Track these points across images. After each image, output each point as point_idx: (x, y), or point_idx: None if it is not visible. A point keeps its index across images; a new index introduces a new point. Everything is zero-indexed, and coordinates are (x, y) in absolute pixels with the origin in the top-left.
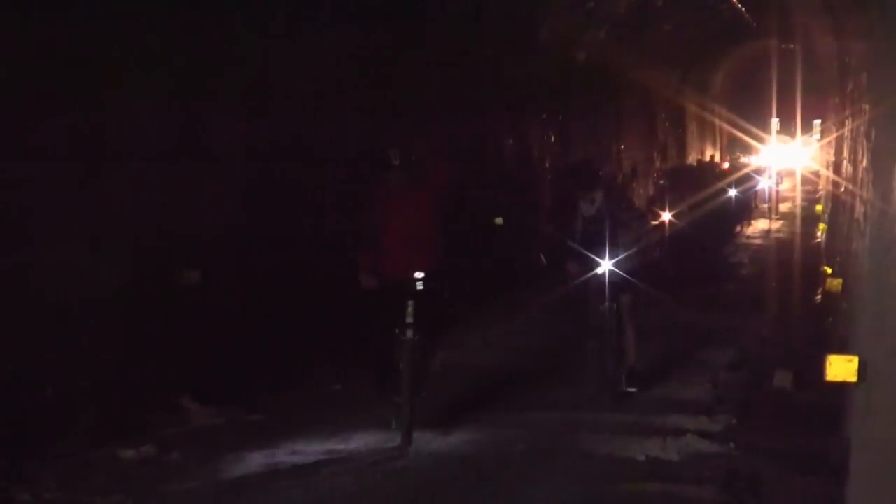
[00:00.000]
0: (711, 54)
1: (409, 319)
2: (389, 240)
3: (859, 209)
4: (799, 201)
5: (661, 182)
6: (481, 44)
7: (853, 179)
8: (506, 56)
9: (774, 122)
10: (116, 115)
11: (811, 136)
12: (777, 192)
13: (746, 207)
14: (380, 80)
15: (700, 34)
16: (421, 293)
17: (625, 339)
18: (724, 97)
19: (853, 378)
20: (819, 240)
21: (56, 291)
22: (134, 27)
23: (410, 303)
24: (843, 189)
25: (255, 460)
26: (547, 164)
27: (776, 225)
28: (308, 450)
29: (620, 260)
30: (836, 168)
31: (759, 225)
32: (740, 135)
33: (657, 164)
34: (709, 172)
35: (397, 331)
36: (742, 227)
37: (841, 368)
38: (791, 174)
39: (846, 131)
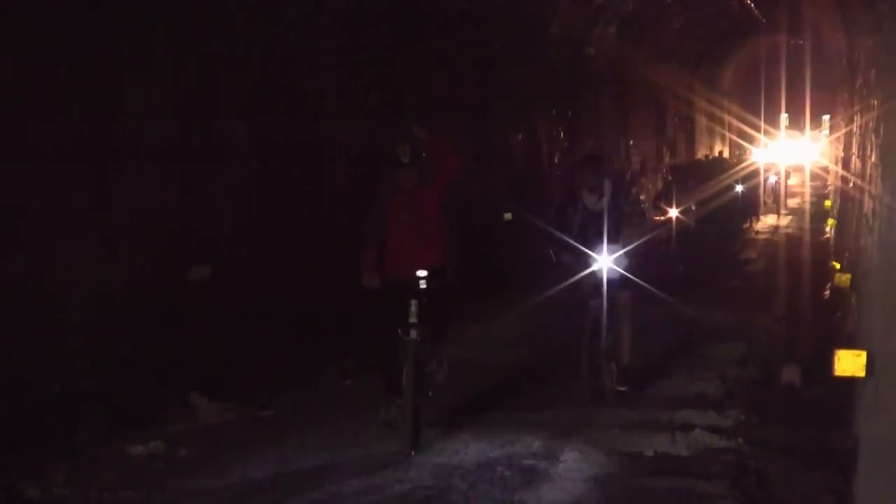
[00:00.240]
0: (720, 50)
1: (413, 319)
2: (395, 238)
3: (868, 205)
4: (808, 197)
5: (668, 178)
6: (491, 40)
7: (862, 175)
8: (515, 52)
9: (784, 117)
10: (125, 113)
11: (820, 131)
12: (785, 187)
13: (754, 203)
14: (388, 77)
15: (709, 30)
16: (424, 292)
17: (619, 337)
18: (733, 93)
19: (861, 373)
20: (828, 235)
21: (64, 288)
22: (142, 26)
23: (414, 302)
24: (851, 184)
25: (264, 458)
26: (556, 160)
27: (784, 221)
28: (315, 449)
29: (620, 256)
30: (845, 163)
31: (767, 220)
32: (749, 130)
33: (666, 159)
34: (717, 168)
35: (400, 331)
36: (750, 223)
37: (849, 363)
38: (800, 170)
39: (855, 127)
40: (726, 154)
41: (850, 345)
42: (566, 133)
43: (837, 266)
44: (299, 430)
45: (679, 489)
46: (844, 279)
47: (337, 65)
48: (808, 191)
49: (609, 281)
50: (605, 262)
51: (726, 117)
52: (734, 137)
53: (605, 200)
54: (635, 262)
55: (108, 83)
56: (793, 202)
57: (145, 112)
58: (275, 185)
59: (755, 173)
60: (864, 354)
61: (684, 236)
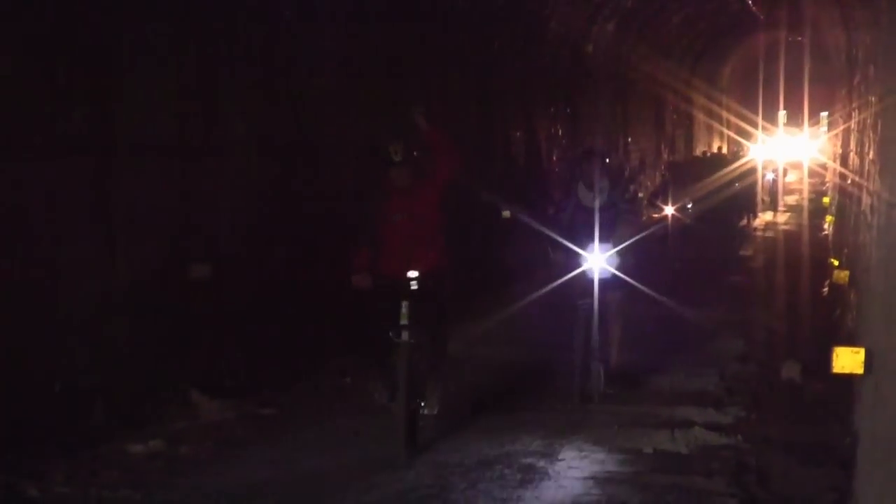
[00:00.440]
0: (719, 47)
1: (404, 321)
2: (389, 238)
3: (866, 201)
4: (806, 193)
5: (664, 175)
6: (490, 38)
7: (860, 171)
8: (514, 50)
9: (782, 114)
10: (125, 111)
11: (818, 127)
12: (783, 184)
13: (752, 200)
14: (389, 76)
15: (708, 27)
16: (417, 294)
17: (608, 338)
18: (731, 89)
19: (860, 370)
20: (826, 232)
21: (64, 286)
22: (143, 23)
23: (405, 304)
24: (850, 181)
25: (264, 456)
26: (555, 157)
27: (782, 217)
28: (315, 447)
29: (612, 255)
30: (843, 160)
31: (765, 217)
32: (748, 127)
33: (665, 156)
34: (714, 165)
35: (391, 333)
36: (748, 220)
37: (848, 360)
38: (798, 166)
39: (853, 123)
40: (725, 150)
41: (849, 341)
42: (565, 130)
43: (836, 263)
44: (299, 429)
45: (679, 486)
46: (843, 276)
47: (338, 64)
48: (806, 187)
49: (600, 281)
50: (597, 260)
51: (725, 114)
52: (732, 134)
53: (601, 197)
54: (629, 261)
55: (109, 81)
56: (791, 199)
57: (146, 110)
58: (276, 183)
59: (753, 170)
60: (862, 351)
61: (681, 234)
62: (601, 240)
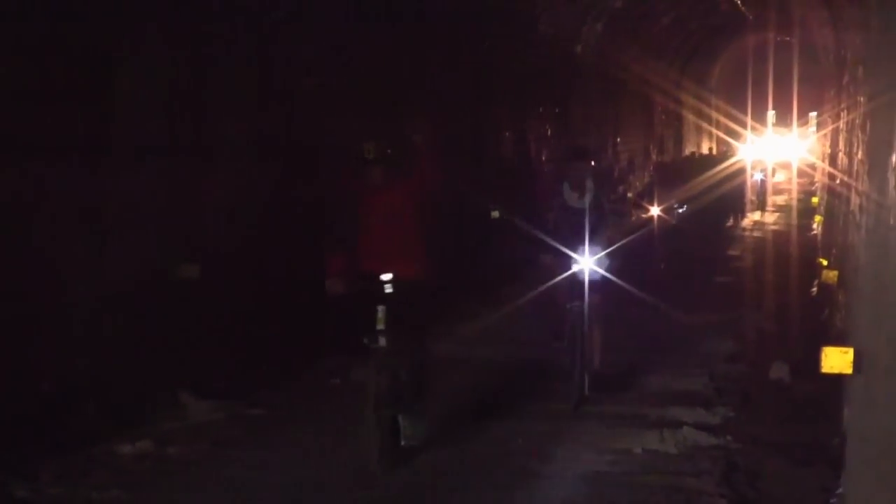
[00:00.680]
0: (709, 47)
1: (380, 326)
2: (365, 240)
3: (855, 201)
4: (795, 193)
5: (651, 176)
6: (480, 39)
7: (849, 171)
8: (504, 49)
9: (771, 114)
10: (117, 111)
11: (807, 127)
12: (771, 184)
13: (740, 201)
14: (381, 77)
15: (698, 27)
16: (392, 298)
17: (591, 342)
18: (721, 90)
19: (848, 370)
20: (815, 232)
21: (55, 285)
22: (135, 22)
23: (381, 308)
24: (838, 181)
25: (252, 457)
26: (544, 157)
27: (771, 217)
28: (304, 447)
29: (601, 257)
30: (832, 160)
31: (753, 217)
32: (737, 127)
33: (654, 156)
34: (702, 166)
35: (366, 339)
36: (736, 220)
37: (836, 360)
38: (787, 166)
39: (842, 123)
40: (714, 151)
41: (838, 341)
42: (555, 131)
43: (825, 263)
44: (288, 429)
45: (668, 486)
46: (832, 276)
47: (331, 64)
48: (795, 187)
49: (583, 283)
50: (586, 263)
51: (714, 114)
52: (721, 134)
53: (587, 198)
54: (615, 262)
55: (101, 81)
56: (780, 199)
57: (139, 110)
58: (269, 183)
59: (741, 171)
60: (851, 351)
61: (668, 235)
62: (584, 242)
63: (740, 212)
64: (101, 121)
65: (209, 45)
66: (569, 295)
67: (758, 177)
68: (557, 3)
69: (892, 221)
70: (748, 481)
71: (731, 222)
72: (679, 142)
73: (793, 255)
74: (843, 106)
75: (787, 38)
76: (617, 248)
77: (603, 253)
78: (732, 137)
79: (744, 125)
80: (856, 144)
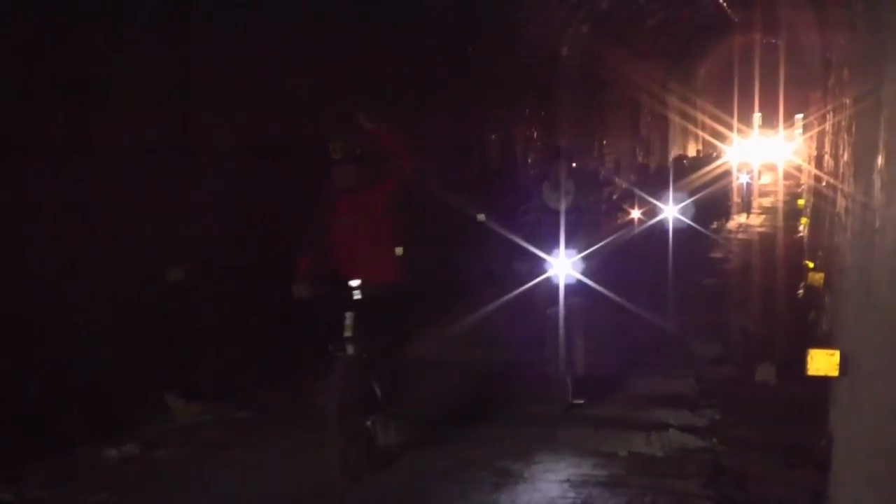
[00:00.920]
0: (695, 49)
1: (347, 334)
2: (335, 244)
3: (841, 203)
4: (781, 195)
5: (632, 178)
6: (465, 39)
7: (835, 173)
8: (489, 51)
9: (757, 116)
10: (103, 111)
11: (793, 130)
12: (756, 185)
13: (724, 203)
14: (367, 79)
15: (684, 29)
16: (362, 304)
17: (573, 347)
18: (707, 91)
19: (835, 372)
20: (801, 234)
21: (41, 289)
22: (121, 22)
23: (348, 315)
24: (824, 183)
25: (238, 460)
26: (530, 160)
27: (757, 220)
28: (290, 450)
29: (577, 260)
30: (818, 162)
31: (739, 219)
32: (723, 129)
33: (640, 158)
34: (689, 168)
35: (332, 347)
36: (720, 223)
37: (823, 362)
38: (773, 168)
39: (828, 125)
40: (700, 153)
41: (824, 344)
42: (540, 133)
43: (811, 265)
44: (275, 432)
45: (655, 488)
46: (818, 278)
47: (316, 65)
48: (781, 189)
49: (565, 286)
50: (562, 266)
51: (700, 116)
52: (708, 137)
53: (567, 199)
54: (594, 266)
55: (88, 80)
56: (766, 201)
57: (126, 112)
58: (256, 184)
59: (727, 173)
60: (837, 353)
61: (652, 238)
62: (565, 244)
63: (725, 214)
64: (86, 122)
65: (195, 47)
66: (547, 299)
67: (744, 179)
68: (543, 4)
69: (877, 224)
70: (735, 483)
71: (715, 224)
72: (665, 144)
73: (779, 257)
74: (829, 108)
75: (773, 40)
76: (597, 250)
77: (579, 256)
78: (719, 139)
79: (730, 127)
80: (842, 147)
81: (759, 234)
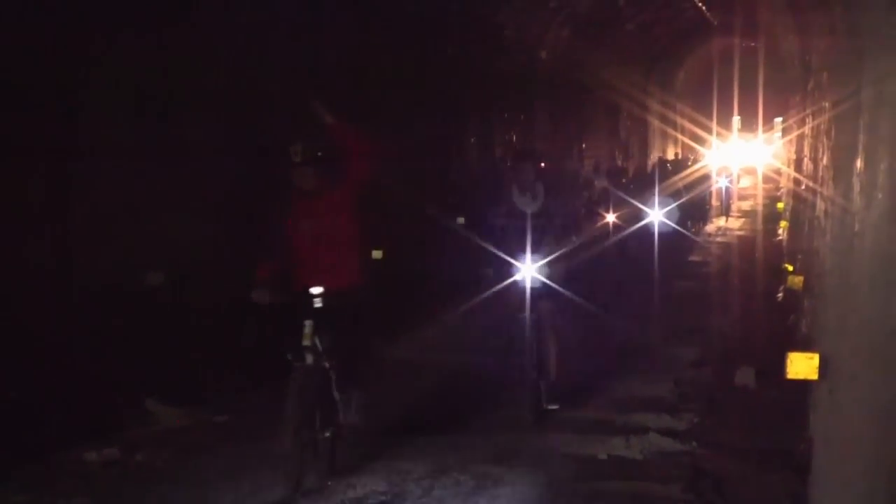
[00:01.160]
0: (674, 52)
1: (306, 342)
2: (297, 250)
3: (820, 207)
4: (760, 199)
5: (605, 183)
6: (445, 44)
7: (814, 177)
8: (469, 54)
9: (736, 119)
10: (84, 112)
11: (773, 133)
12: (735, 188)
13: (702, 206)
14: (348, 82)
15: (663, 32)
16: (323, 311)
17: (545, 352)
18: (687, 95)
19: (814, 375)
20: (781, 237)
21: (19, 293)
22: (105, 22)
23: (308, 323)
24: (804, 187)
25: (217, 464)
26: (509, 163)
27: (737, 223)
28: (270, 455)
29: (543, 265)
30: (798, 165)
31: (718, 222)
32: (702, 132)
33: (619, 161)
34: (667, 171)
35: (290, 356)
36: (698, 226)
37: (802, 366)
38: (752, 172)
39: (807, 129)
40: (680, 156)
41: (804, 347)
42: (520, 136)
43: (790, 268)
44: (253, 437)
45: (634, 492)
46: (797, 281)
47: (298, 68)
48: (760, 193)
49: (534, 291)
50: (530, 271)
51: (679, 120)
52: (687, 140)
53: (537, 202)
54: (566, 270)
55: (68, 81)
56: (745, 204)
57: (106, 111)
58: (238, 187)
59: (705, 177)
60: (816, 357)
61: (627, 241)
62: (533, 248)
63: (702, 218)
64: (66, 124)
65: (180, 47)
66: (517, 304)
67: (723, 182)
68: (522, 8)
69: (856, 227)
70: (714, 487)
71: (694, 227)
72: (645, 147)
73: (758, 260)
74: (808, 111)
75: (753, 44)
76: (569, 253)
77: (546, 260)
78: (698, 143)
79: (709, 130)
80: (821, 150)
81: (739, 237)
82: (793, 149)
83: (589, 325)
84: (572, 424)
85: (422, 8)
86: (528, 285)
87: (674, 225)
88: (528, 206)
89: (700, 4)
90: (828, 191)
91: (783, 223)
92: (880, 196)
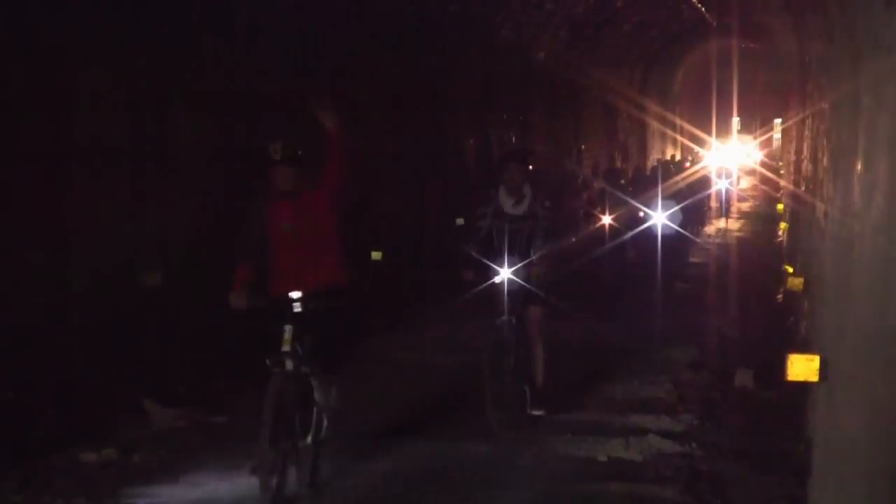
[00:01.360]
0: (672, 54)
1: (286, 347)
2: (276, 252)
3: (820, 208)
4: (759, 200)
5: (601, 184)
6: (442, 46)
7: (813, 178)
8: (466, 55)
9: (735, 121)
10: (78, 115)
11: (772, 134)
12: (735, 190)
13: (701, 208)
14: (343, 83)
15: (660, 34)
16: (302, 316)
17: (531, 356)
18: (685, 96)
19: (814, 377)
20: (781, 239)
21: (16, 293)
22: (98, 26)
23: (287, 328)
24: (803, 188)
25: (215, 465)
26: (495, 164)
27: (736, 224)
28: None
29: (521, 268)
30: (797, 167)
31: (717, 223)
32: (701, 134)
33: (618, 163)
34: (664, 172)
35: (268, 361)
36: (697, 228)
37: (802, 368)
38: (752, 173)
39: (806, 130)
40: (678, 157)
41: (804, 349)
42: (518, 138)
43: (790, 270)
44: (251, 437)
45: (633, 494)
46: (797, 283)
47: (292, 72)
48: (759, 194)
49: (516, 295)
50: (509, 274)
51: (678, 121)
52: (686, 141)
53: (524, 204)
54: (552, 274)
55: (62, 85)
56: (745, 206)
57: (100, 117)
58: (234, 189)
59: (705, 178)
60: (817, 359)
61: (628, 242)
62: (519, 252)
63: (700, 221)
64: (60, 127)
65: (173, 50)
66: (499, 309)
67: (722, 183)
68: (519, 9)
69: (856, 228)
70: (713, 489)
71: (693, 229)
72: (643, 148)
73: (758, 262)
74: (807, 113)
75: (751, 45)
76: (557, 257)
77: (527, 261)
78: (697, 144)
79: (708, 132)
80: (821, 152)
81: (738, 238)
82: (792, 150)
83: (585, 328)
84: (571, 426)
85: (420, 9)
86: (505, 288)
87: (676, 227)
88: (515, 209)
89: (699, 5)
90: (827, 192)
91: (783, 225)
92: (880, 198)
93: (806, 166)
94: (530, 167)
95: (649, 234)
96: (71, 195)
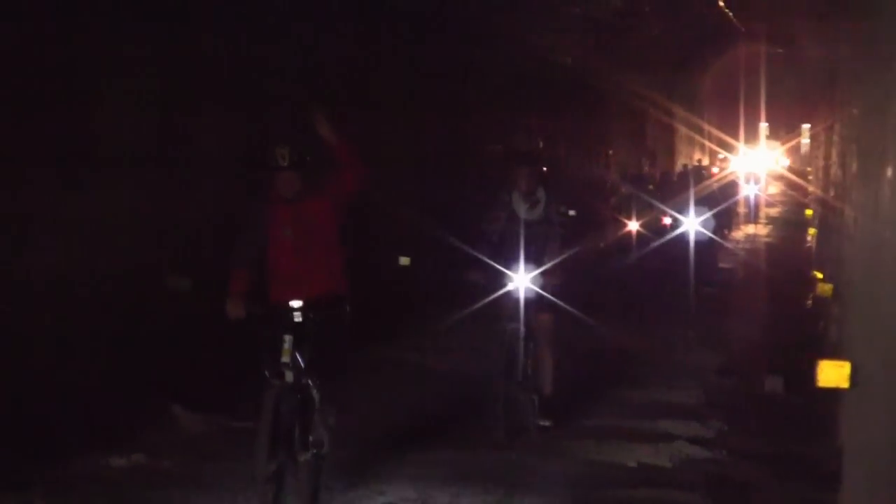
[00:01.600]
0: (699, 58)
1: (285, 358)
2: (275, 259)
3: (849, 214)
4: (788, 206)
5: (625, 188)
6: (465, 50)
7: (842, 183)
8: (491, 61)
9: (763, 126)
10: (99, 119)
11: (800, 139)
12: (763, 195)
13: (729, 214)
14: (362, 86)
15: (687, 38)
16: (302, 327)
17: (540, 365)
18: (712, 101)
19: (845, 384)
20: (810, 244)
21: (42, 299)
22: (118, 30)
23: (287, 338)
24: (832, 193)
25: (242, 471)
26: (508, 167)
27: (764, 230)
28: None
29: (537, 275)
30: (826, 172)
31: (746, 229)
32: (729, 139)
33: (646, 168)
34: (692, 178)
35: (267, 373)
36: (725, 233)
37: (832, 374)
38: (780, 178)
39: (835, 136)
40: (706, 163)
41: (834, 355)
42: (544, 144)
43: (820, 276)
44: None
45: (661, 500)
46: (826, 289)
47: (312, 74)
48: (788, 199)
49: (528, 302)
50: (522, 280)
51: (706, 126)
52: (714, 146)
53: (539, 209)
54: (566, 281)
55: (84, 89)
56: (773, 211)
57: (121, 119)
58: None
59: (734, 183)
60: (847, 365)
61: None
62: (533, 257)
63: (726, 226)
64: (81, 129)
65: (193, 54)
66: (510, 315)
67: (751, 189)
68: (545, 14)
69: (886, 234)
70: (741, 495)
71: (722, 234)
72: (671, 153)
73: (787, 267)
74: (836, 118)
75: (780, 50)
76: (573, 264)
77: (542, 269)
78: (725, 149)
79: (736, 137)
80: (849, 157)
81: (767, 244)
82: (820, 155)
83: (612, 335)
84: (598, 431)
85: (445, 13)
86: (517, 295)
87: (709, 234)
88: (530, 214)
89: (727, 11)
90: (857, 198)
91: (811, 230)
92: None
93: (835, 171)
94: (544, 169)
95: (680, 239)
96: (95, 198)
